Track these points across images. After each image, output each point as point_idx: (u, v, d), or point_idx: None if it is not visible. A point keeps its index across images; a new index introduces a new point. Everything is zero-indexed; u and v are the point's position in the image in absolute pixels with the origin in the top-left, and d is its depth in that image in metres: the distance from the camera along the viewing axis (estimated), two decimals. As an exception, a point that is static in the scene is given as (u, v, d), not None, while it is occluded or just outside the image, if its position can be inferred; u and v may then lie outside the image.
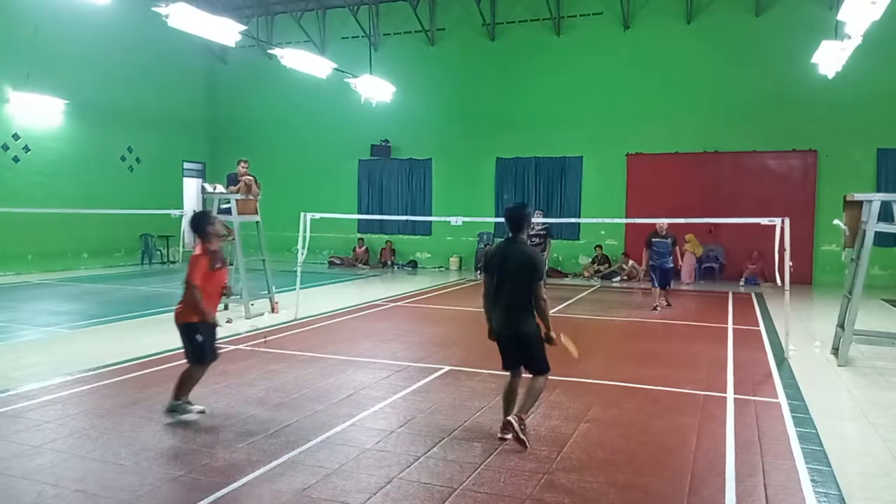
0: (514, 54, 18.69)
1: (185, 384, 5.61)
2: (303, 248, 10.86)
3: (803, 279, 15.54)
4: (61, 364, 7.45)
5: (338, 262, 20.35)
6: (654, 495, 4.27)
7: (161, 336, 8.96)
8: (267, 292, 11.39)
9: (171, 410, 5.52)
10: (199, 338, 5.57)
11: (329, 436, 5.24)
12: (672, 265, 12.45)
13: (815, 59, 12.71)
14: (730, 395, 6.53)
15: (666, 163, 17.34)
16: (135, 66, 19.35)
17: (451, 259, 19.52)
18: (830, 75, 12.99)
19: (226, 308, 11.34)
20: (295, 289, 10.83)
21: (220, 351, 5.94)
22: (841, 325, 8.25)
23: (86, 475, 4.47)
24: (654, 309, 12.19)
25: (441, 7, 19.46)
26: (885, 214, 7.86)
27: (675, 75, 17.18)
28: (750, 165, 16.75)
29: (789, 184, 16.46)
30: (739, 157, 16.83)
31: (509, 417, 5.08)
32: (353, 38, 20.18)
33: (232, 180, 11.24)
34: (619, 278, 16.98)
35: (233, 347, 8.50)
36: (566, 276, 17.90)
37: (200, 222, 5.75)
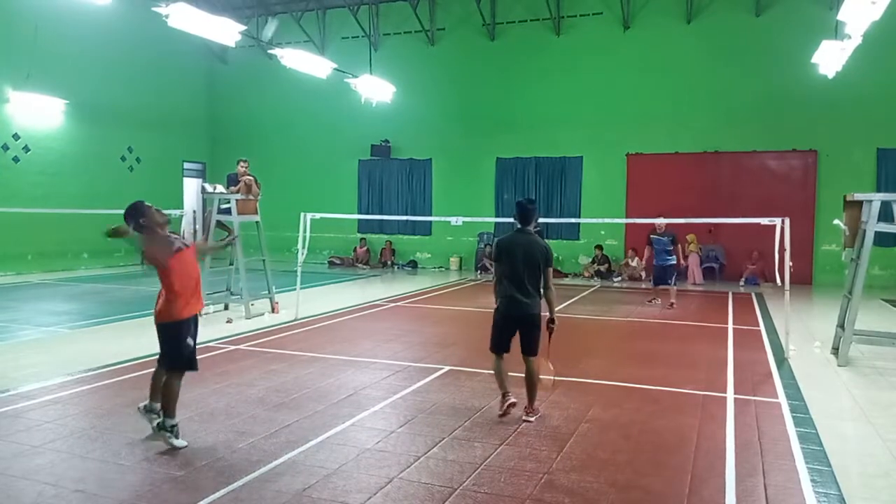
0: (514, 54, 18.69)
1: (171, 398, 5.03)
2: (303, 248, 10.86)
3: (803, 279, 15.54)
4: (61, 364, 7.45)
5: (338, 262, 20.35)
6: (654, 495, 4.27)
7: (161, 336, 8.95)
8: (267, 292, 11.39)
9: (163, 429, 4.94)
10: (178, 342, 5.18)
11: (329, 436, 5.24)
12: (673, 263, 12.48)
13: (815, 59, 12.71)
14: (730, 395, 6.53)
15: (666, 163, 17.33)
16: (135, 66, 19.35)
17: (452, 259, 19.52)
18: (830, 75, 13.00)
19: (226, 308, 11.36)
20: (295, 289, 10.82)
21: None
22: (841, 325, 8.25)
23: (86, 475, 4.47)
24: (651, 301, 12.53)
25: (441, 7, 19.46)
26: (885, 214, 7.86)
27: (675, 75, 17.18)
28: (750, 165, 16.75)
29: (789, 184, 16.46)
30: (739, 157, 16.83)
31: (525, 418, 5.61)
32: (353, 38, 20.18)
33: (232, 180, 11.24)
34: (619, 278, 16.97)
35: (233, 347, 8.50)
36: (566, 276, 17.89)
37: (130, 215, 5.22)
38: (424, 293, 14.36)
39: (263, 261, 11.45)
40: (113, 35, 18.32)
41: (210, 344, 8.61)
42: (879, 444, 5.21)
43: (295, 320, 10.42)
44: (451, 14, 19.37)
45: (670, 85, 17.24)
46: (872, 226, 7.76)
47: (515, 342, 5.81)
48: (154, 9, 10.29)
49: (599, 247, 17.65)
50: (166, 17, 10.15)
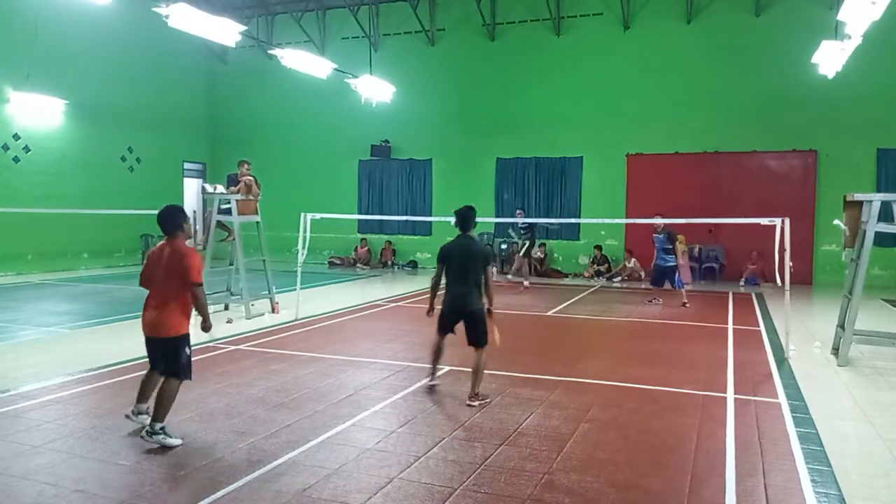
0: (514, 54, 18.69)
1: (168, 404, 5.01)
2: (303, 248, 10.85)
3: (803, 279, 15.54)
4: (61, 364, 7.45)
5: (338, 262, 20.35)
6: (654, 495, 4.27)
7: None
8: (267, 292, 11.39)
9: (154, 434, 4.91)
10: (189, 350, 5.12)
11: (329, 436, 5.24)
12: (672, 264, 12.50)
13: (815, 59, 12.70)
14: (730, 395, 6.53)
15: (666, 163, 17.33)
16: (135, 66, 19.35)
17: (451, 259, 19.49)
18: (830, 75, 13.00)
19: (226, 308, 11.36)
20: (295, 289, 10.82)
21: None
22: (841, 325, 8.25)
23: (86, 475, 4.47)
24: (651, 301, 12.71)
25: (441, 7, 19.46)
26: (885, 214, 7.86)
27: (675, 75, 17.18)
28: (750, 165, 16.75)
29: (789, 184, 16.46)
30: (739, 158, 16.83)
31: (469, 402, 6.11)
32: (353, 38, 20.19)
33: (232, 181, 11.24)
34: (619, 278, 16.96)
35: (233, 347, 8.51)
36: (566, 276, 17.90)
37: (174, 218, 5.27)
38: (424, 293, 14.32)
39: (263, 261, 11.45)
40: (113, 35, 18.32)
41: (210, 344, 8.60)
42: (879, 444, 5.21)
43: (295, 320, 10.42)
44: (451, 14, 19.37)
45: (670, 85, 17.24)
46: (872, 226, 7.76)
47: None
48: (154, 9, 10.30)
49: (598, 247, 17.65)
50: (166, 17, 10.16)
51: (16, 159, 16.67)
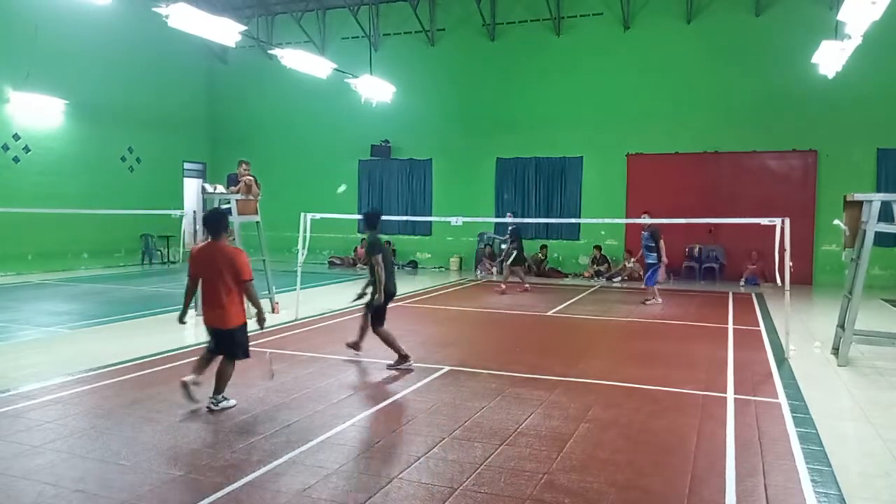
0: (514, 55, 18.69)
1: (226, 380, 5.86)
2: (303, 248, 10.86)
3: (803, 279, 15.54)
4: (61, 364, 7.45)
5: (338, 262, 20.35)
6: (654, 495, 4.27)
7: (161, 336, 8.97)
8: (267, 292, 11.38)
9: (218, 402, 5.78)
10: (245, 337, 5.91)
11: (329, 436, 5.24)
12: (652, 260, 12.64)
13: (815, 59, 12.71)
14: (730, 395, 6.53)
15: (666, 163, 17.33)
16: (135, 66, 19.36)
17: (452, 259, 19.51)
18: (830, 75, 13.00)
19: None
20: (295, 289, 10.83)
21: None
22: (841, 325, 8.25)
23: (86, 475, 4.47)
24: (645, 302, 12.76)
25: (441, 7, 19.46)
26: (885, 214, 7.86)
27: (675, 75, 17.18)
28: (750, 165, 16.75)
29: (789, 184, 16.46)
30: (739, 158, 16.83)
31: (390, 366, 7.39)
32: (353, 38, 20.19)
33: (232, 181, 11.24)
34: (619, 278, 16.96)
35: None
36: (566, 276, 17.89)
37: (221, 221, 5.91)
38: (424, 293, 14.36)
39: (263, 261, 11.45)
40: (113, 35, 18.32)
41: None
42: (879, 444, 5.21)
43: (295, 320, 10.42)
44: (451, 14, 19.37)
45: (670, 85, 17.24)
46: (872, 226, 7.76)
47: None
48: (154, 9, 10.30)
49: (598, 247, 17.65)
50: (166, 17, 10.16)
51: (16, 159, 16.67)
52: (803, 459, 4.82)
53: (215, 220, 5.88)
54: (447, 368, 7.39)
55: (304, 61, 13.85)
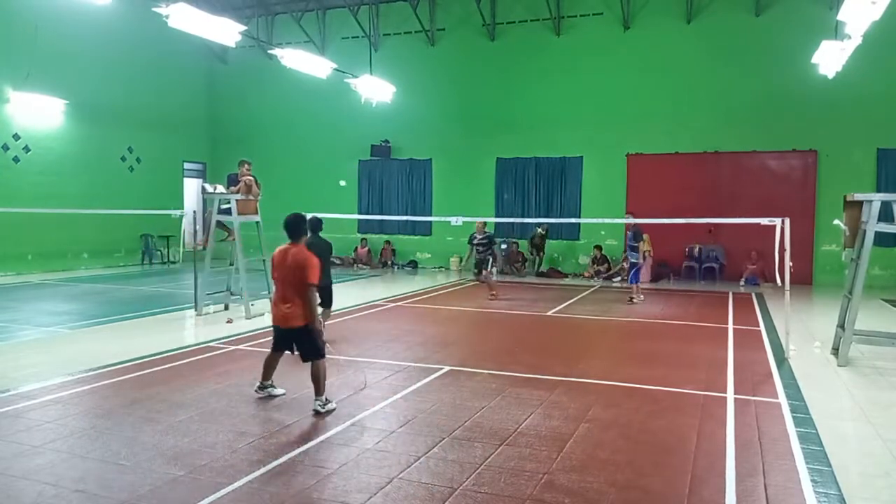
0: (514, 54, 18.69)
1: (322, 380, 5.90)
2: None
3: (803, 279, 15.53)
4: (61, 364, 7.45)
5: (338, 262, 20.31)
6: (654, 495, 4.27)
7: (161, 336, 8.97)
8: (267, 292, 11.36)
9: (323, 405, 5.86)
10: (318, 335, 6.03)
11: (329, 436, 5.24)
12: (634, 260, 12.82)
13: (815, 59, 12.71)
14: (730, 395, 6.53)
15: (666, 163, 17.33)
16: (135, 66, 19.36)
17: (452, 259, 19.49)
18: (830, 75, 13.00)
19: (226, 308, 11.36)
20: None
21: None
22: (841, 325, 8.24)
23: (86, 475, 4.47)
24: (631, 300, 12.88)
25: (441, 7, 19.45)
26: (885, 214, 7.85)
27: (675, 75, 17.18)
28: (750, 165, 16.75)
29: (789, 184, 16.46)
30: (739, 158, 16.83)
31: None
32: (353, 38, 20.18)
33: (232, 181, 11.23)
34: (619, 278, 16.96)
35: (233, 347, 8.51)
36: (566, 276, 17.89)
37: (301, 225, 6.09)
38: (424, 293, 14.36)
39: (263, 261, 11.40)
40: (113, 35, 18.32)
41: (210, 344, 8.63)
42: (879, 444, 5.21)
43: (295, 320, 10.40)
44: (451, 14, 19.37)
45: (670, 85, 17.24)
46: (872, 226, 7.76)
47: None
48: (154, 9, 10.30)
49: (598, 247, 17.65)
50: (166, 17, 10.16)
51: (16, 159, 16.67)
52: (803, 459, 4.82)
53: (294, 224, 6.05)
54: (447, 368, 7.39)
55: (304, 61, 13.86)
